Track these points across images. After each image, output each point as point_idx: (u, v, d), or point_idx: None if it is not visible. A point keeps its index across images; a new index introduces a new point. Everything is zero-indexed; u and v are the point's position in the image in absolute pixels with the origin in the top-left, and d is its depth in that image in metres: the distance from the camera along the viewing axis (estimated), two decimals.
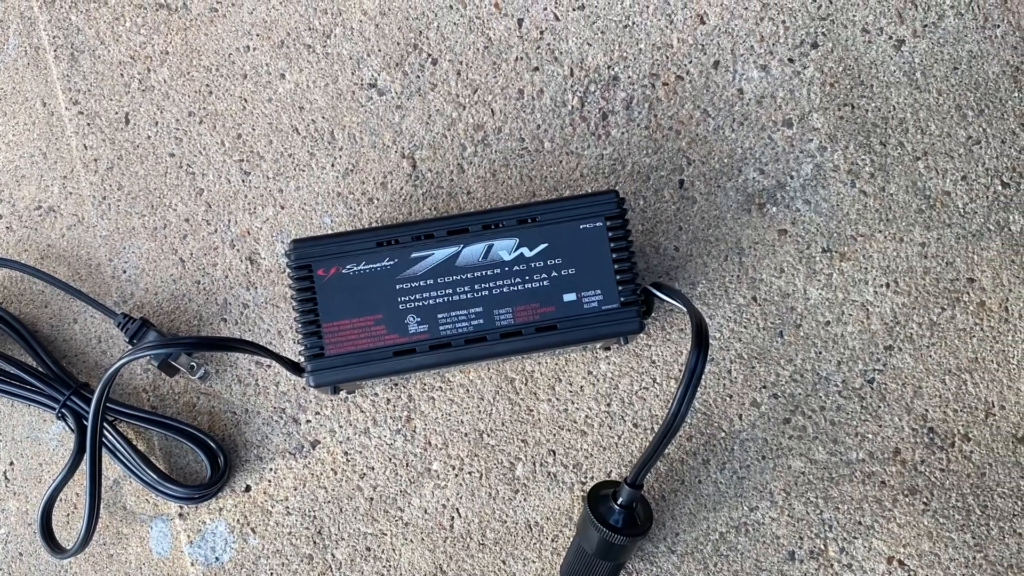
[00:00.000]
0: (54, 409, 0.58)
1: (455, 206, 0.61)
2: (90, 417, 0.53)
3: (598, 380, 0.60)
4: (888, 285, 0.60)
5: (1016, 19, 0.63)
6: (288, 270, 0.53)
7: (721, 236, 0.61)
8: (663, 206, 0.61)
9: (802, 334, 0.60)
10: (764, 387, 0.60)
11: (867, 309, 0.60)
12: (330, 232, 0.58)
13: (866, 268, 0.61)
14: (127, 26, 0.63)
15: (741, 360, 0.60)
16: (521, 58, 0.63)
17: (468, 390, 0.60)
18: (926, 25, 0.63)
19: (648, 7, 0.63)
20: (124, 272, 0.61)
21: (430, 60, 0.63)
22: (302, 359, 0.53)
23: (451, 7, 0.63)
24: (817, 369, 0.60)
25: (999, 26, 0.63)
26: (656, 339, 0.60)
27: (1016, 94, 0.62)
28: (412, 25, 0.63)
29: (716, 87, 0.62)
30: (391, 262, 0.53)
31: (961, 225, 0.61)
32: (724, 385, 0.60)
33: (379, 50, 0.63)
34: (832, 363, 0.60)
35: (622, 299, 0.53)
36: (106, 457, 0.58)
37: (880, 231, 0.61)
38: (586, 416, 0.60)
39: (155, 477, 0.57)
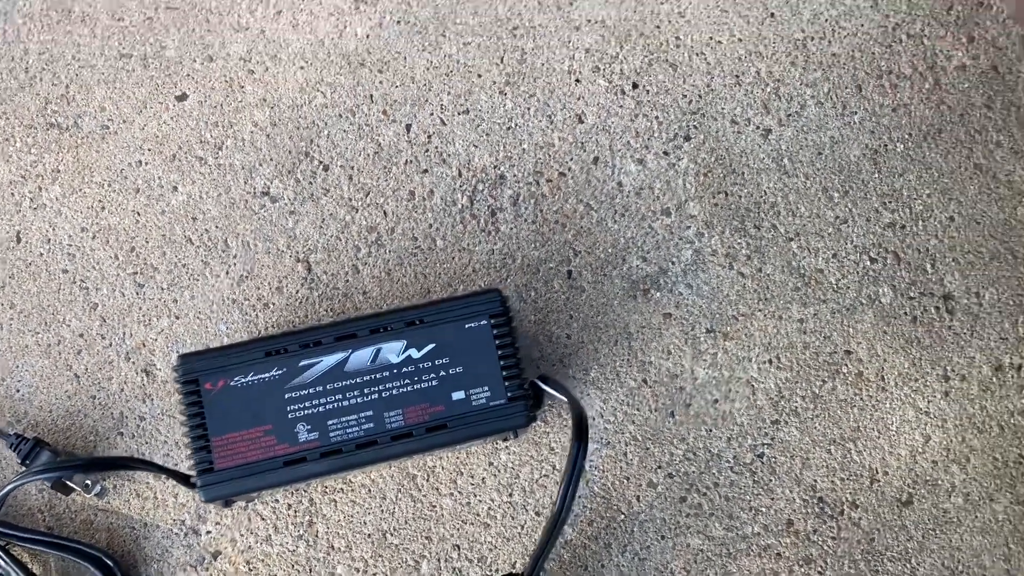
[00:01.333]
0: None
1: (351, 306, 0.63)
2: None
3: (499, 471, 0.61)
4: (771, 361, 0.63)
5: (871, 106, 0.68)
6: (176, 385, 0.54)
7: (610, 322, 0.63)
8: (553, 296, 0.64)
9: (692, 413, 0.62)
10: (659, 467, 0.61)
11: (752, 386, 0.63)
12: (224, 344, 0.58)
13: (749, 346, 0.63)
14: (17, 146, 0.64)
15: (636, 442, 0.62)
16: (411, 161, 0.65)
17: (370, 490, 0.60)
18: (790, 114, 0.67)
19: (529, 109, 0.66)
20: (17, 391, 0.61)
21: (322, 167, 0.65)
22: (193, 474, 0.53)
23: (340, 116, 0.66)
24: (709, 447, 0.62)
25: (856, 112, 0.68)
26: (554, 426, 0.61)
27: (876, 175, 0.67)
28: (303, 134, 0.65)
29: (597, 181, 0.65)
30: (279, 371, 0.54)
31: (835, 300, 0.64)
32: (621, 468, 0.61)
33: (271, 159, 0.65)
34: (723, 440, 0.62)
35: (509, 394, 0.54)
36: None
37: (760, 310, 0.64)
38: (489, 508, 0.60)
39: None
